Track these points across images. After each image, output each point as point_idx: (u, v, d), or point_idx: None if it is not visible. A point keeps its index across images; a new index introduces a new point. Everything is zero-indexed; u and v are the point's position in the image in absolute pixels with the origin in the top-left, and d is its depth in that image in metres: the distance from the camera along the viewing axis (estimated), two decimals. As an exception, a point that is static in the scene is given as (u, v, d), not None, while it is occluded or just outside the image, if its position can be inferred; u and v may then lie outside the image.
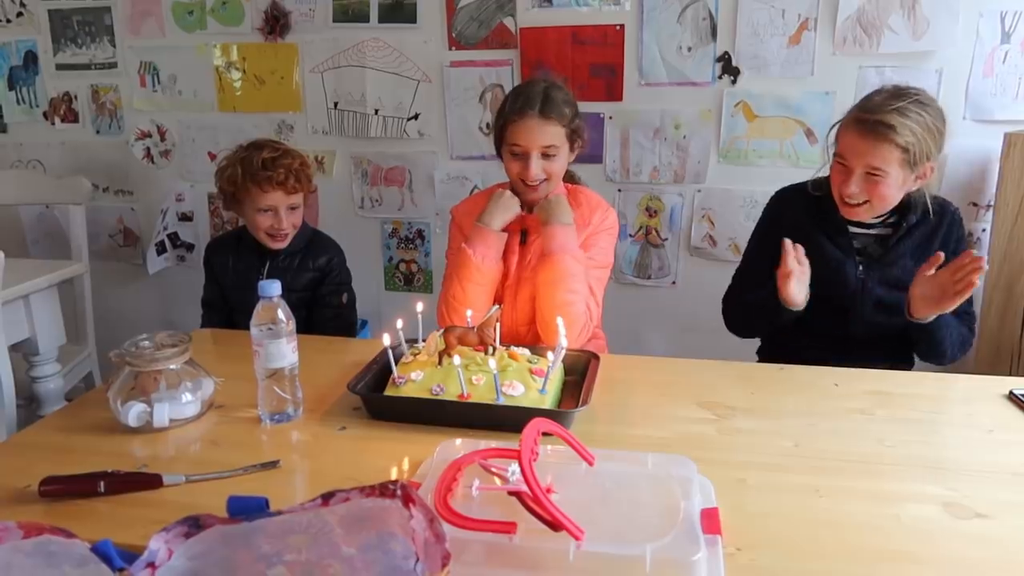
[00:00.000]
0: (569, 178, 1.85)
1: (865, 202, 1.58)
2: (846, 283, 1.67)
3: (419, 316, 1.50)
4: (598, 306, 1.74)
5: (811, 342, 1.70)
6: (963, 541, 0.96)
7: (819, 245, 1.68)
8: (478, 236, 1.66)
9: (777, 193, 1.83)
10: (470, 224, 1.72)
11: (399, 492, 0.72)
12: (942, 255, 1.50)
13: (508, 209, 1.69)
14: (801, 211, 1.72)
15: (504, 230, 1.70)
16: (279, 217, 1.90)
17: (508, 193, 1.72)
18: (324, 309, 2.01)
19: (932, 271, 1.50)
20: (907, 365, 1.74)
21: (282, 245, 1.96)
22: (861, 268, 1.67)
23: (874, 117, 1.50)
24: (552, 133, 1.63)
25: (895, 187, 1.55)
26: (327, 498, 0.73)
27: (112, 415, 1.27)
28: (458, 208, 1.84)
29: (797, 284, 1.57)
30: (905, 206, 1.63)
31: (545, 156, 1.65)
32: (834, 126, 1.63)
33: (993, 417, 1.31)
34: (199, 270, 2.16)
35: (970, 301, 1.67)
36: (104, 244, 3.03)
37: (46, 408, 2.12)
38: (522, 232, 1.75)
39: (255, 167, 1.86)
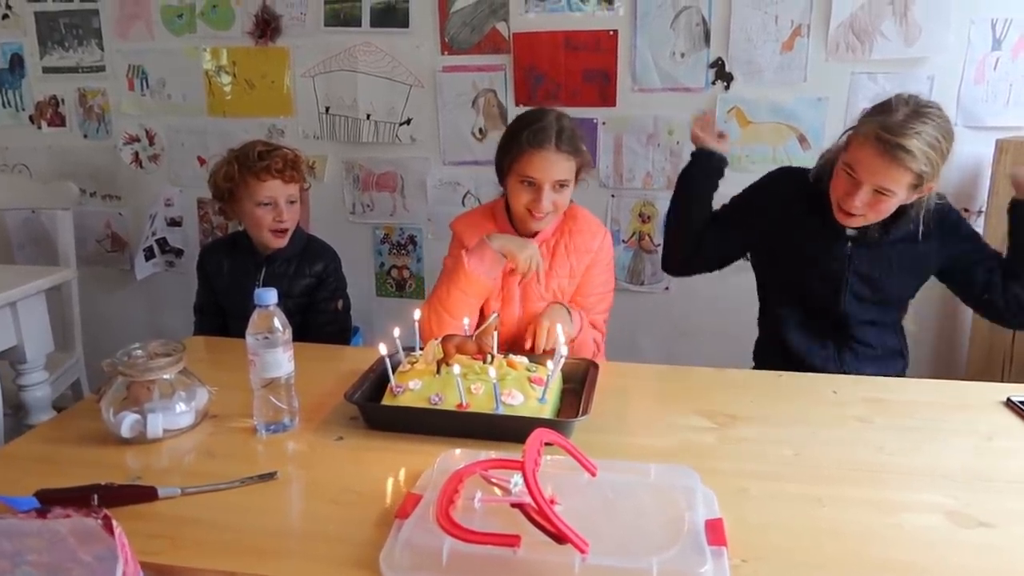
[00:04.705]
0: None
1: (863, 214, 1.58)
2: (833, 256, 1.67)
3: (416, 324, 1.49)
4: (603, 333, 1.81)
5: (804, 334, 1.72)
6: (967, 550, 0.96)
7: (809, 225, 1.69)
8: (479, 248, 1.64)
9: (783, 169, 1.83)
10: (471, 234, 1.73)
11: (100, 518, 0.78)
12: None
13: (520, 246, 1.65)
14: (799, 194, 1.72)
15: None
16: (279, 209, 1.90)
17: (535, 245, 1.67)
18: (319, 315, 1.99)
19: None
20: (902, 364, 1.76)
21: (283, 242, 1.95)
22: (850, 244, 1.67)
23: (896, 139, 1.46)
24: (567, 167, 1.64)
25: (896, 204, 1.55)
26: (43, 512, 0.77)
27: (103, 425, 1.25)
28: (458, 221, 1.82)
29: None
30: (899, 212, 1.62)
31: (555, 189, 1.65)
32: (848, 131, 1.58)
33: (992, 424, 1.32)
34: (188, 276, 2.14)
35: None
36: (91, 249, 2.99)
37: (34, 417, 2.09)
38: None
39: (251, 159, 1.87)
